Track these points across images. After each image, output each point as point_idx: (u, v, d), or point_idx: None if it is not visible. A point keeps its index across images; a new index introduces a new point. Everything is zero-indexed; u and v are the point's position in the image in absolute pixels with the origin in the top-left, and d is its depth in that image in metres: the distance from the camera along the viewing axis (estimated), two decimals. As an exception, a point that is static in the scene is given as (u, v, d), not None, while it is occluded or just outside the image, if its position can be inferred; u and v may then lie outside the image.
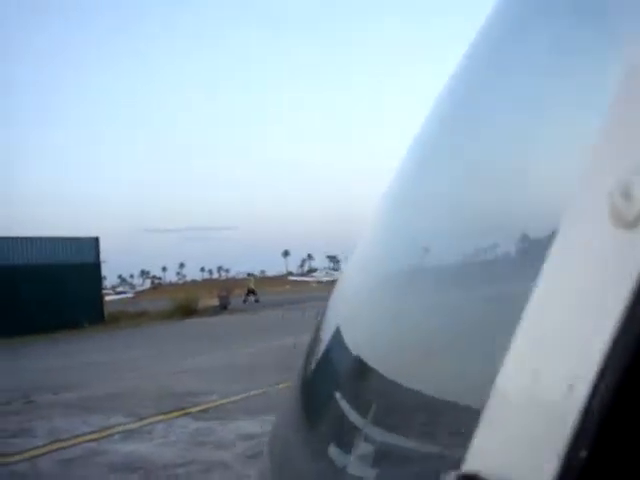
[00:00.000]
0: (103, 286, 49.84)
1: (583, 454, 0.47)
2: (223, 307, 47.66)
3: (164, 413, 11.60)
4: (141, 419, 11.34)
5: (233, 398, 12.32)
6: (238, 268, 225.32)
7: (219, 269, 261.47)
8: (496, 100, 0.96)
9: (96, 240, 41.77)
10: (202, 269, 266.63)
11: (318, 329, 1.24)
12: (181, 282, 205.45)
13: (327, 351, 1.17)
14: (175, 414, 11.48)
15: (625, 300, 0.47)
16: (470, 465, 0.55)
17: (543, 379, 0.51)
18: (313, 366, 1.20)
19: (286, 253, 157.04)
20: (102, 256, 42.07)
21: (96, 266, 41.41)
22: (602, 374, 0.48)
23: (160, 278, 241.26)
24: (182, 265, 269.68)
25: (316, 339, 1.23)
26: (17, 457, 9.36)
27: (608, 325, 0.47)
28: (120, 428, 10.76)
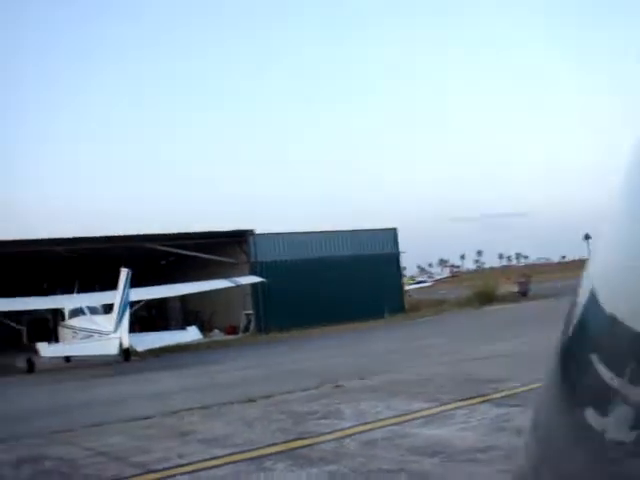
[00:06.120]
0: (403, 276, 51.03)
1: None
2: (522, 294, 46.79)
3: (465, 399, 11.68)
4: (442, 404, 11.52)
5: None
6: (537, 254, 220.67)
7: (517, 256, 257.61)
8: None
9: (394, 231, 42.92)
10: (500, 256, 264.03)
11: (575, 294, 1.22)
12: (479, 270, 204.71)
13: (583, 314, 1.14)
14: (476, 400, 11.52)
15: None
16: None
17: None
18: (570, 331, 1.18)
19: (587, 237, 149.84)
20: (401, 246, 43.14)
21: (395, 256, 42.56)
22: None
23: (458, 266, 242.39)
24: (480, 253, 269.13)
25: (573, 304, 1.20)
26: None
27: None
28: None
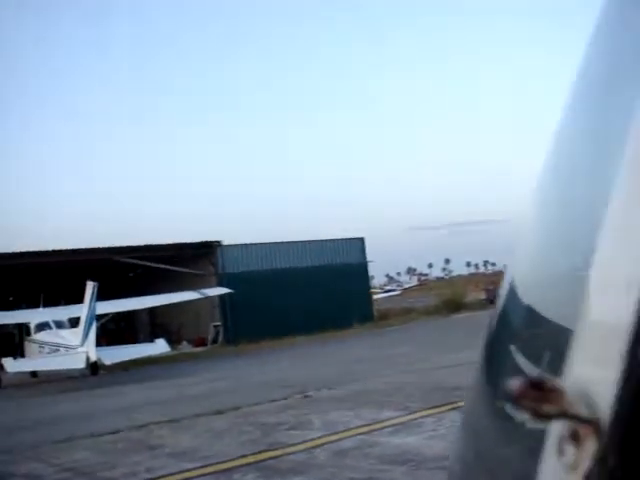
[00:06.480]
0: (371, 285, 51.13)
1: None
2: (490, 301, 47.06)
3: (434, 407, 11.72)
4: (411, 412, 11.55)
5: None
6: (504, 261, 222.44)
7: (485, 263, 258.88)
8: None
9: (362, 240, 43.03)
10: (468, 264, 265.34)
11: (500, 287, 1.25)
12: (447, 278, 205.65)
13: (504, 307, 1.16)
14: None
15: None
16: None
17: None
18: (493, 324, 1.20)
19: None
20: (369, 256, 43.24)
21: (363, 265, 42.65)
22: None
23: (426, 275, 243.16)
24: (447, 261, 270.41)
25: (498, 297, 1.23)
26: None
27: None
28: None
